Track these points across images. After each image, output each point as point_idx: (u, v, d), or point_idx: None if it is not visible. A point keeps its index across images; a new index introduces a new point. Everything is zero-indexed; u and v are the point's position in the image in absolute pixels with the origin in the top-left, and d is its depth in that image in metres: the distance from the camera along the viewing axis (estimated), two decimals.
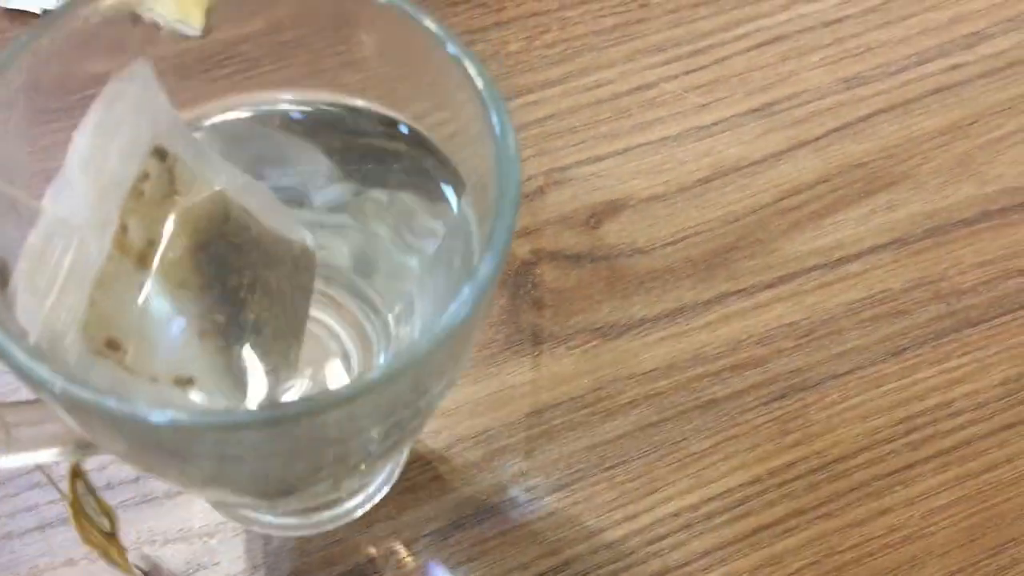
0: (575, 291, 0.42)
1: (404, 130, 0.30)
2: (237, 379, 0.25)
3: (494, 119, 0.25)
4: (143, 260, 0.23)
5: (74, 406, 0.19)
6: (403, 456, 0.37)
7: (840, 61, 0.49)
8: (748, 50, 0.49)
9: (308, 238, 0.27)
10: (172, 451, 0.22)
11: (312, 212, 0.30)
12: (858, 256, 0.43)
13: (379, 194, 0.31)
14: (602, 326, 0.41)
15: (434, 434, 0.38)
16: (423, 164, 0.30)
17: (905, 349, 0.40)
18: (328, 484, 0.28)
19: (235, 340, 0.24)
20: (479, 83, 0.25)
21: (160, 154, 0.23)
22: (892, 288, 0.42)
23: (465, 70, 0.26)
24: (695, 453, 0.38)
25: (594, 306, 0.41)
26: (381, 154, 0.31)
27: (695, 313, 0.41)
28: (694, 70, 0.49)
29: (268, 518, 0.36)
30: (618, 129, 0.47)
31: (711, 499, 0.37)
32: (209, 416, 0.20)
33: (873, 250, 0.43)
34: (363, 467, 0.28)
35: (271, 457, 0.23)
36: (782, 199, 0.44)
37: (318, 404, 0.19)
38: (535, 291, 0.42)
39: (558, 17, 0.51)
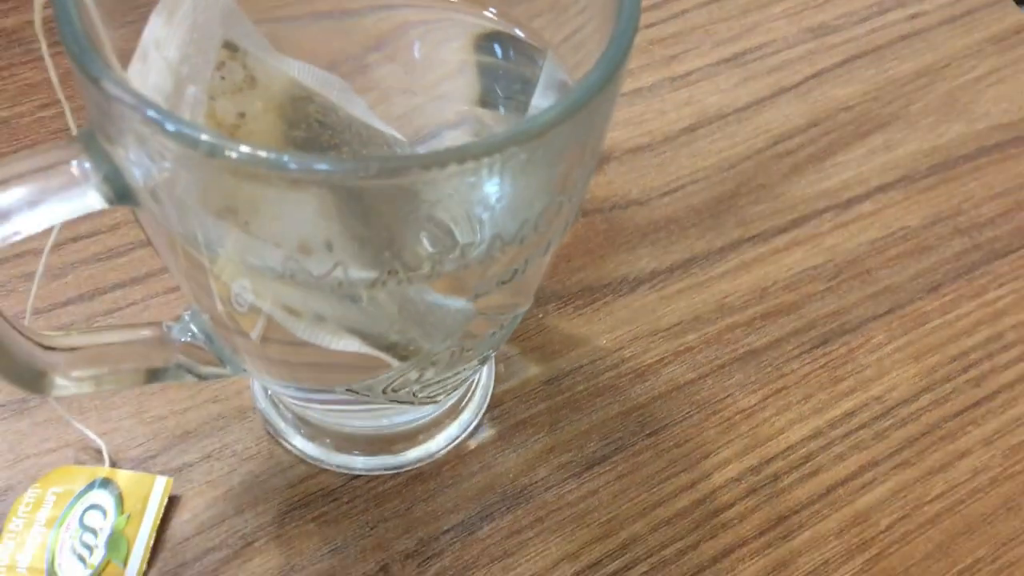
0: (572, 247, 0.36)
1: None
2: (363, 244, 0.21)
3: None
4: (237, 132, 0.22)
5: (229, 165, 0.17)
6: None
7: (802, 12, 0.46)
8: (706, 4, 0.46)
9: (393, 130, 0.24)
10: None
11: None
12: (867, 196, 0.39)
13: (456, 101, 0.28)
14: (610, 282, 0.35)
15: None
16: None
17: (940, 285, 0.36)
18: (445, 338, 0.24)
19: (351, 207, 0.21)
20: None
21: (231, 47, 0.23)
22: (911, 225, 0.38)
23: None
24: (744, 410, 0.32)
25: (597, 261, 0.36)
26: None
27: (709, 262, 0.36)
28: (654, 24, 0.45)
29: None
30: None
31: (773, 458, 0.31)
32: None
33: (882, 189, 0.39)
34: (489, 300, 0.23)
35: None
36: (776, 144, 0.40)
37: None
38: None
39: None
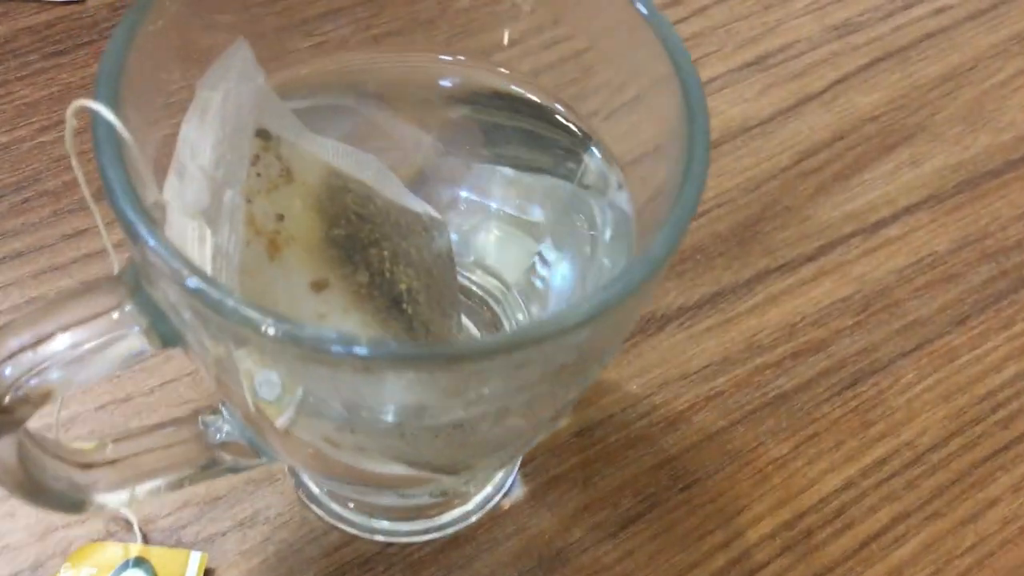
0: None
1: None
2: None
3: (672, 57, 0.19)
4: (277, 239, 0.21)
5: (291, 347, 0.16)
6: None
7: (825, 7, 0.44)
8: None
9: (430, 209, 0.24)
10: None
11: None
12: (895, 218, 0.38)
13: (488, 166, 0.27)
14: (638, 320, 0.35)
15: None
16: (531, 128, 0.27)
17: (968, 316, 0.36)
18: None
19: (396, 314, 0.22)
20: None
21: (264, 135, 0.22)
22: (938, 251, 0.37)
23: None
24: (776, 459, 0.32)
25: None
26: (485, 124, 0.27)
27: (737, 296, 0.36)
28: (675, 22, 0.43)
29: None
30: None
31: (806, 512, 0.31)
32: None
33: (908, 210, 0.39)
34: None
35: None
36: (801, 160, 0.39)
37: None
38: None
39: None
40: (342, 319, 0.22)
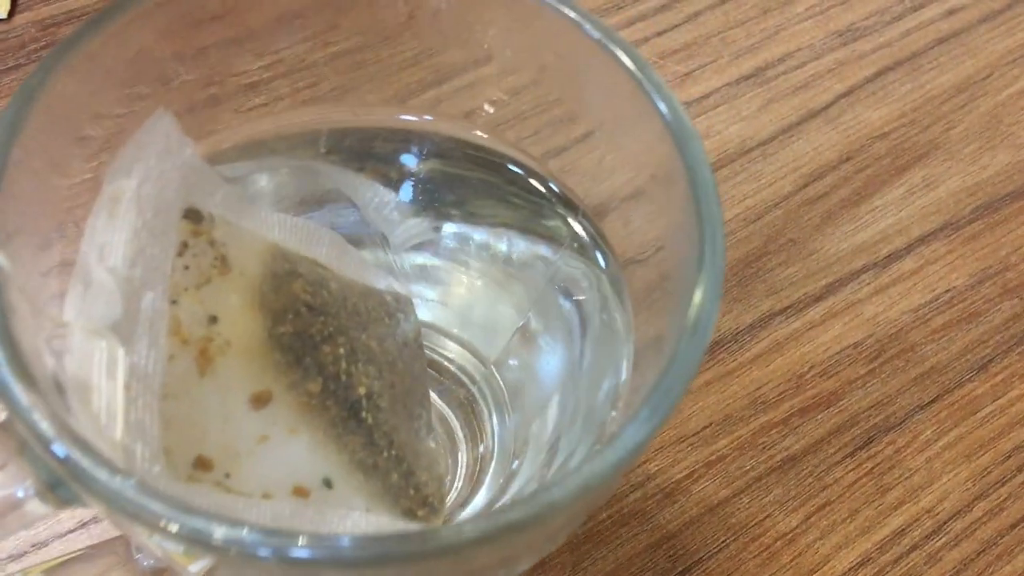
0: None
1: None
2: (368, 473, 0.19)
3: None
4: (209, 347, 0.18)
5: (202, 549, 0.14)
6: None
7: (828, 11, 0.41)
8: (722, 2, 0.41)
9: (395, 284, 0.21)
10: None
11: (390, 255, 0.23)
12: (908, 249, 0.35)
13: (463, 228, 0.24)
14: None
15: None
16: (511, 190, 0.24)
17: (990, 361, 0.33)
18: None
19: (353, 426, 0.19)
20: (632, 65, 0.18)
21: (193, 216, 0.19)
22: (956, 285, 0.34)
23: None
24: (785, 534, 0.29)
25: None
26: (458, 181, 0.24)
27: (738, 344, 0.32)
28: (665, 30, 0.40)
29: None
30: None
31: None
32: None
33: (923, 240, 0.35)
34: None
35: None
36: (806, 185, 0.36)
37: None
38: None
39: None
40: (287, 441, 0.19)
